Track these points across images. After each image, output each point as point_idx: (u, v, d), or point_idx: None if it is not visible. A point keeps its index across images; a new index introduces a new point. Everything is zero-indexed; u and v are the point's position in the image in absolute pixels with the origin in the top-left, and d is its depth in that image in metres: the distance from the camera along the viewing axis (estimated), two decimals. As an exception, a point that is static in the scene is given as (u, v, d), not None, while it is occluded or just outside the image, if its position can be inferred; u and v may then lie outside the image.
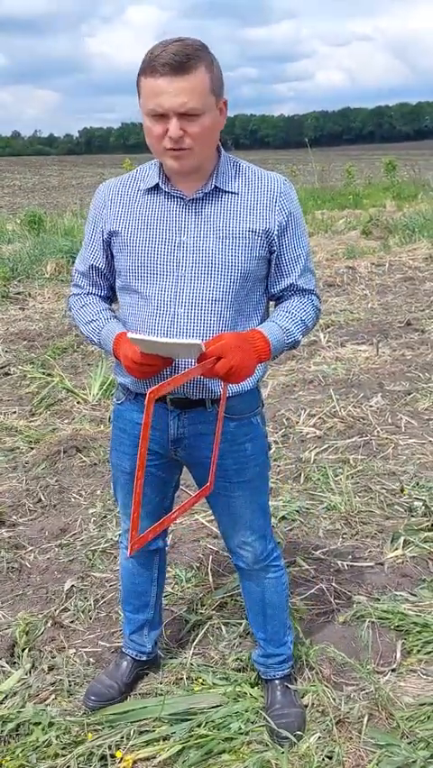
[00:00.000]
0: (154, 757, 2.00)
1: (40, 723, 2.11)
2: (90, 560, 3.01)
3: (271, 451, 2.09)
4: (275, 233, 1.80)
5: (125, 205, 1.84)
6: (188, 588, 2.79)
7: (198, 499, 1.87)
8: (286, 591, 2.19)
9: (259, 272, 1.84)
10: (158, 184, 1.80)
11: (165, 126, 1.65)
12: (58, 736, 2.06)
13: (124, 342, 1.76)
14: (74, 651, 2.47)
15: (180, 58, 1.59)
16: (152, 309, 1.80)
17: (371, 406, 4.50)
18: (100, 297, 1.98)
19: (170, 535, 3.04)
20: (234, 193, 1.79)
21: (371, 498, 3.41)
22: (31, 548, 3.13)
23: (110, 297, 2.01)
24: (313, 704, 2.18)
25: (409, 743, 2.01)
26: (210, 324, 1.78)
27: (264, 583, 2.12)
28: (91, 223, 1.92)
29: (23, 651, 2.45)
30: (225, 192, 1.79)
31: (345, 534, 3.15)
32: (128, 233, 1.82)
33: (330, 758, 1.98)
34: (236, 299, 1.80)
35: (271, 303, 1.98)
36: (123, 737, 2.06)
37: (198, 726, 2.07)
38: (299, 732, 2.04)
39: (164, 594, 2.47)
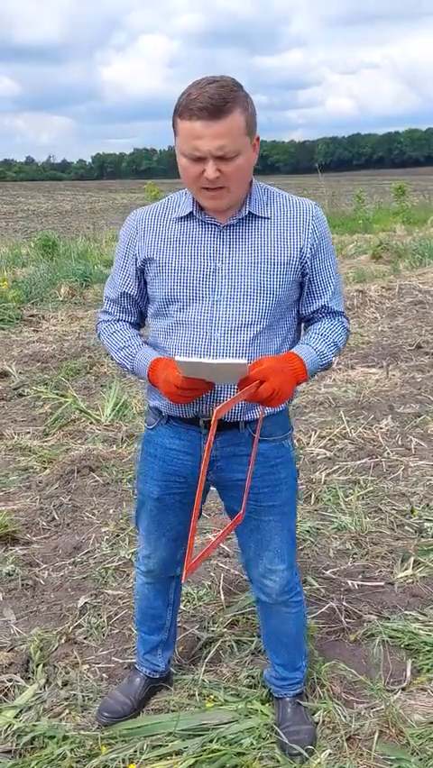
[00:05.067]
0: (167, 771, 2.03)
1: (54, 737, 2.14)
2: (103, 577, 3.05)
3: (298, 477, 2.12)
4: (308, 255, 1.83)
5: (159, 233, 1.86)
6: (201, 605, 2.82)
7: (234, 526, 1.90)
8: (305, 622, 2.20)
9: (292, 296, 1.87)
10: (192, 212, 1.83)
11: (202, 167, 1.68)
12: (72, 750, 2.09)
13: (166, 367, 1.78)
14: (87, 667, 2.51)
15: (217, 101, 1.61)
16: (189, 333, 1.83)
17: (381, 428, 4.54)
18: (130, 323, 2.01)
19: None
20: (267, 218, 1.83)
21: (381, 518, 3.44)
22: (45, 566, 3.17)
23: (139, 324, 2.03)
24: (324, 721, 2.20)
25: (420, 759, 2.02)
26: (246, 347, 1.81)
27: (285, 617, 2.12)
28: (122, 250, 1.94)
29: (37, 666, 2.48)
30: (259, 218, 1.82)
31: (356, 554, 3.17)
32: (164, 260, 1.84)
33: (341, 774, 2.00)
34: (271, 322, 1.83)
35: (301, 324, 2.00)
36: (136, 752, 2.09)
37: (211, 741, 2.10)
38: (310, 748, 2.06)
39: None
